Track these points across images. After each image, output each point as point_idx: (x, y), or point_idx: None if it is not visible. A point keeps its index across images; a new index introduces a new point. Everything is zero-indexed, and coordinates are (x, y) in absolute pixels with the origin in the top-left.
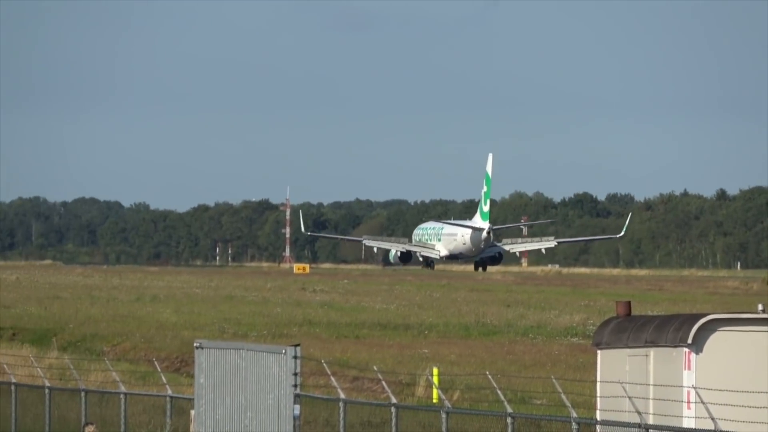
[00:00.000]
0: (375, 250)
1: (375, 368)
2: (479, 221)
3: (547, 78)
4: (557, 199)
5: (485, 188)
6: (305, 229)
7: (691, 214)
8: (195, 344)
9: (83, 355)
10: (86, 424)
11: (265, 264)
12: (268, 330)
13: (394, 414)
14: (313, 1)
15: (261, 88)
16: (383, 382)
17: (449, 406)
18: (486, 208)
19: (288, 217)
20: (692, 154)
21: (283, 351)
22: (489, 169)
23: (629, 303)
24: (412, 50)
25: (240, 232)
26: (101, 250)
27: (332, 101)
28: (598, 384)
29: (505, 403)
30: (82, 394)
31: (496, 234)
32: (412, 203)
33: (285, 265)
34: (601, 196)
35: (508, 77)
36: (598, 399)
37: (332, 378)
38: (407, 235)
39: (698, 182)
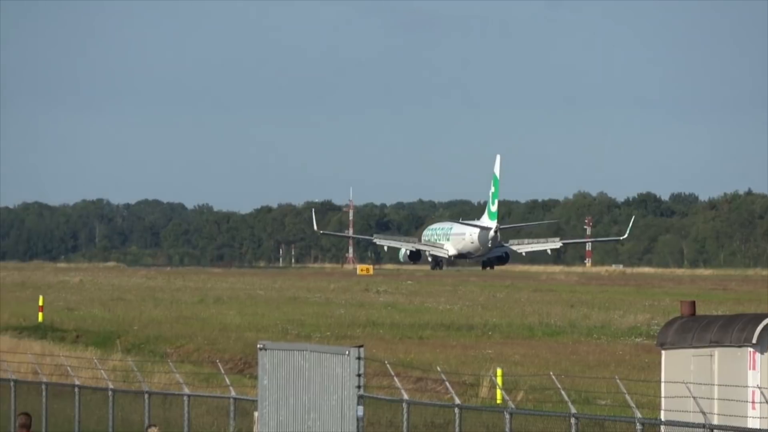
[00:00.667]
0: (386, 248)
1: (438, 369)
2: (487, 221)
3: (612, 78)
4: (621, 199)
5: (493, 189)
6: (317, 227)
7: (756, 213)
8: (258, 346)
9: (147, 357)
10: (149, 425)
11: (328, 265)
12: (332, 331)
13: (457, 415)
14: (380, 1)
15: (324, 89)
16: (446, 383)
17: (513, 406)
18: (494, 207)
19: (351, 218)
20: (757, 153)
21: (347, 352)
22: (497, 170)
23: (694, 303)
24: (471, 50)
25: (303, 233)
26: (164, 252)
27: (395, 102)
28: (663, 384)
29: (569, 403)
30: (146, 395)
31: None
32: (475, 203)
33: (348, 266)
34: (665, 196)
35: (571, 77)
36: (663, 399)
37: (396, 379)
38: None
39: (762, 181)
